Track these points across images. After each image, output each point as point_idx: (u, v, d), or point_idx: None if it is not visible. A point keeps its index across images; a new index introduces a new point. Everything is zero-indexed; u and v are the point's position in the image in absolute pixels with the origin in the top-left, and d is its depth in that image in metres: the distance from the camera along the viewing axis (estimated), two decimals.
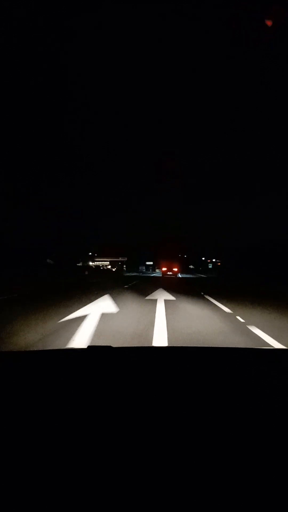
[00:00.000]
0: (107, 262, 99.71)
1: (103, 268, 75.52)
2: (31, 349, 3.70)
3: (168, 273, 40.47)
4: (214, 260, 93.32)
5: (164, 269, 41.96)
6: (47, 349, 3.30)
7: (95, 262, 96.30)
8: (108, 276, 32.82)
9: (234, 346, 3.95)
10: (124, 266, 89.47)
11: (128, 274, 46.73)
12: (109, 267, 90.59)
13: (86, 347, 1.47)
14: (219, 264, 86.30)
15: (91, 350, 1.44)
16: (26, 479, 0.61)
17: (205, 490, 0.58)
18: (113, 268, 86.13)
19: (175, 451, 0.69)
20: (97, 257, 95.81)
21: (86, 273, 35.00)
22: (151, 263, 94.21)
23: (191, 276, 43.16)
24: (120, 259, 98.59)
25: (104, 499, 0.56)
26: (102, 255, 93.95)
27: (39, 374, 1.20)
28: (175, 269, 41.82)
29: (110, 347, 1.46)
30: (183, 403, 0.93)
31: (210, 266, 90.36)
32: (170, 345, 3.93)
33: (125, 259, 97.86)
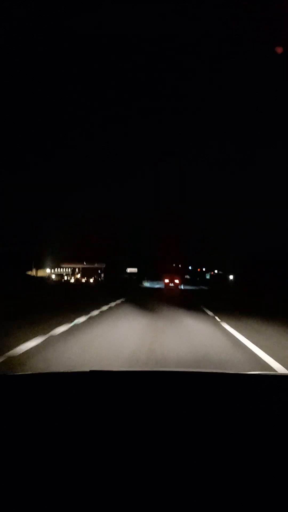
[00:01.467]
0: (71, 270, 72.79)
1: (68, 281, 52.23)
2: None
3: (170, 284, 41.51)
4: (215, 271, 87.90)
5: (166, 281, 43.35)
6: (49, 371, 3.30)
7: (59, 270, 69.55)
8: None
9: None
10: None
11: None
12: (82, 279, 65.47)
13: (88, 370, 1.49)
14: (214, 274, 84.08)
15: (93, 374, 1.48)
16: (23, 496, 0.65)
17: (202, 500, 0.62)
18: (90, 279, 61.34)
19: (175, 479, 0.71)
20: (64, 261, 68.35)
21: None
22: (135, 270, 68.48)
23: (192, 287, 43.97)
24: (96, 265, 72.01)
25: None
26: (70, 258, 66.90)
27: (38, 398, 1.23)
28: (177, 281, 43.11)
29: (112, 372, 1.65)
30: (184, 433, 0.94)
31: (208, 277, 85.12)
32: (168, 369, 3.56)
33: (104, 265, 71.22)
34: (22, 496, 0.64)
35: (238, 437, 0.91)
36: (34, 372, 2.93)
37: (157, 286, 43.42)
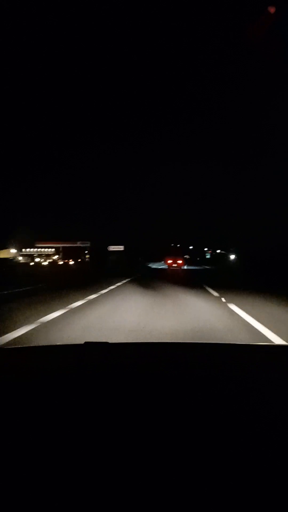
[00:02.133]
0: (50, 251, 59.29)
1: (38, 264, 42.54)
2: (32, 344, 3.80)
3: (173, 265, 41.20)
4: (217, 251, 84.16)
5: (169, 261, 42.74)
6: (43, 345, 3.18)
7: (27, 251, 57.08)
8: None
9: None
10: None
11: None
12: (59, 261, 53.21)
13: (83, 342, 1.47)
14: (215, 253, 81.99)
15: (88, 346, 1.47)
16: (23, 478, 0.62)
17: (204, 490, 0.59)
18: (72, 261, 50.16)
19: (174, 451, 0.70)
20: (41, 240, 56.28)
21: None
22: (120, 248, 57.42)
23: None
24: (79, 244, 58.57)
25: (102, 499, 0.57)
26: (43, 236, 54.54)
27: (33, 370, 1.22)
28: (180, 262, 43.13)
29: (107, 343, 1.48)
30: (182, 404, 0.92)
31: (208, 256, 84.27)
32: (168, 341, 3.80)
33: (88, 243, 58.91)
34: (15, 474, 0.62)
35: (238, 415, 0.86)
36: (27, 346, 2.93)
37: (158, 267, 41.90)
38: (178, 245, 60.32)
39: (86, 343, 1.40)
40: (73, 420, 0.81)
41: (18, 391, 0.98)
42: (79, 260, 55.12)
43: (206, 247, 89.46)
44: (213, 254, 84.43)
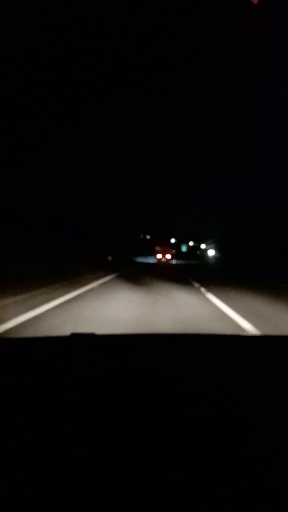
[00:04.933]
0: None
1: None
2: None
3: (162, 260, 43.59)
4: (191, 243, 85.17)
5: (159, 256, 44.77)
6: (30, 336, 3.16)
7: None
8: None
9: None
10: None
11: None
12: None
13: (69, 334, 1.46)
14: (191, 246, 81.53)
15: (74, 337, 1.44)
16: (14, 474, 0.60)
17: (205, 488, 0.57)
18: None
19: (168, 446, 0.68)
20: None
21: None
22: None
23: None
24: None
25: (96, 494, 0.55)
26: None
27: (18, 363, 1.19)
28: (169, 256, 44.87)
29: (93, 334, 1.44)
30: (170, 393, 0.92)
31: (184, 250, 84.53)
32: (157, 332, 3.90)
33: None
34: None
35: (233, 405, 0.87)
36: (15, 337, 2.97)
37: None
38: (167, 240, 58.96)
39: (72, 334, 1.38)
40: (60, 413, 0.79)
41: (2, 385, 0.96)
42: None
43: (182, 238, 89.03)
44: (189, 247, 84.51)
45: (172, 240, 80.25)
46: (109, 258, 26.12)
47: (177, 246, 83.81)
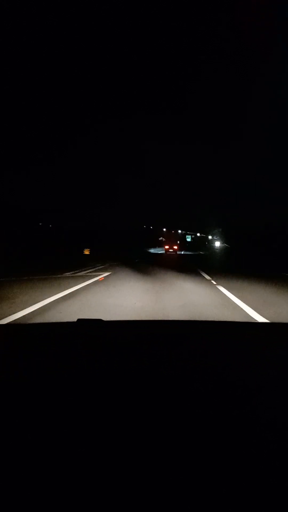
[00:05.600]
0: None
1: None
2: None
3: (170, 250, 45.91)
4: (198, 234, 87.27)
5: (166, 247, 47.81)
6: (36, 322, 3.21)
7: None
8: None
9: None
10: None
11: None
12: None
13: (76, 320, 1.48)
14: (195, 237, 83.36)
15: (80, 323, 1.45)
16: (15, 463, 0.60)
17: (204, 488, 0.56)
18: None
19: (171, 438, 0.67)
20: None
21: None
22: None
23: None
24: None
25: (92, 478, 0.55)
26: None
27: (27, 349, 1.20)
28: (175, 247, 46.97)
29: (100, 320, 1.46)
30: (176, 383, 0.91)
31: (189, 240, 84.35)
32: (162, 319, 3.87)
33: None
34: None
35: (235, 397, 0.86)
36: (23, 323, 2.94)
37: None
38: (173, 231, 63.77)
39: (79, 320, 1.41)
40: (66, 401, 0.78)
41: (11, 371, 0.96)
42: None
43: (185, 230, 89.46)
44: (193, 238, 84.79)
45: (179, 231, 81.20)
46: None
47: (181, 237, 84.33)
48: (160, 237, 49.62)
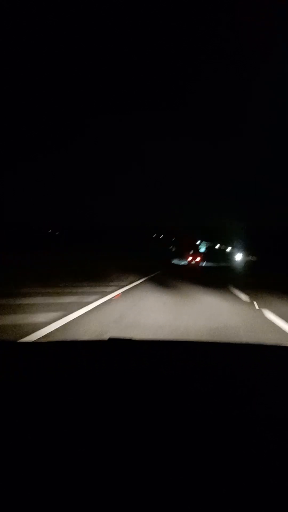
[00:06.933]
0: None
1: None
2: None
3: (192, 262, 46.44)
4: (218, 246, 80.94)
5: (189, 259, 47.85)
6: (65, 340, 3.35)
7: None
8: None
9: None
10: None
11: None
12: None
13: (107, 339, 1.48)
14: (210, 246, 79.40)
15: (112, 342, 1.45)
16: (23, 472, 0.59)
17: (204, 488, 0.56)
18: None
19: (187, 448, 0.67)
20: None
21: None
22: None
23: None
24: None
25: (103, 497, 0.54)
26: None
27: (56, 366, 1.20)
28: (198, 259, 47.72)
29: (131, 340, 1.45)
30: (203, 403, 0.90)
31: (202, 250, 76.78)
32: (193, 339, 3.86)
33: None
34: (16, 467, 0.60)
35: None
36: (53, 340, 3.01)
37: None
38: (195, 242, 61.58)
39: (110, 339, 1.43)
40: (93, 417, 0.79)
41: (41, 387, 0.98)
42: None
43: (200, 239, 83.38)
44: (209, 247, 78.40)
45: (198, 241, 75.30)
46: None
47: (196, 246, 77.98)
48: (185, 250, 49.86)
